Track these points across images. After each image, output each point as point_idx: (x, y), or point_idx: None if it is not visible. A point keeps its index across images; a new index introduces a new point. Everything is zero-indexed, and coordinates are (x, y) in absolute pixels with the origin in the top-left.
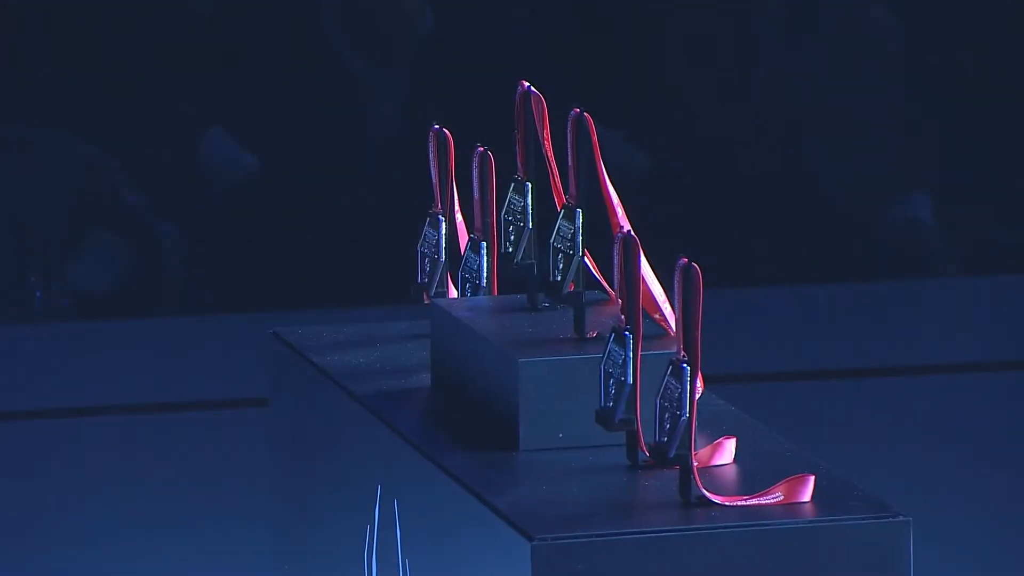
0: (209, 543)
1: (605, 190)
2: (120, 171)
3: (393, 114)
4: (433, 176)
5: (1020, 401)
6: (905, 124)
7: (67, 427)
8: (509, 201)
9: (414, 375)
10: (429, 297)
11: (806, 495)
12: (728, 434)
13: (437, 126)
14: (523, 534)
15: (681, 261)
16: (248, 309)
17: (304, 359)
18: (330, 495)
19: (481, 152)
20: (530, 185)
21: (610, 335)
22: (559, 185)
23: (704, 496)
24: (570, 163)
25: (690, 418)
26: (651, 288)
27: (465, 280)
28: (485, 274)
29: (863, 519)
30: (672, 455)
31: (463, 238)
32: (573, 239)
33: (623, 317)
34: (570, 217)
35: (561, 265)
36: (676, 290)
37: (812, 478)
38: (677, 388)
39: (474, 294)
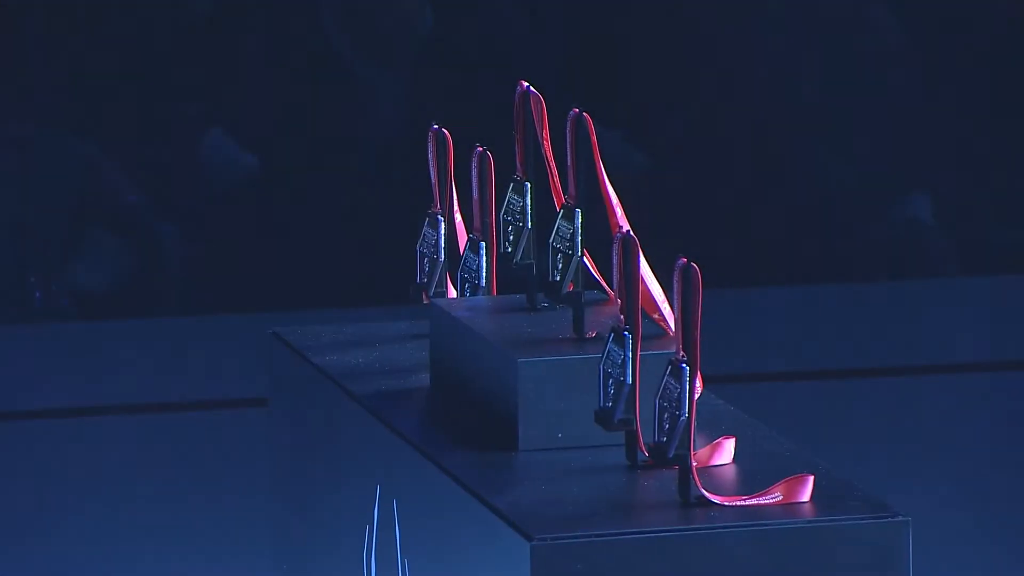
0: (209, 543)
1: (604, 190)
2: (120, 171)
3: (393, 114)
4: (432, 176)
5: (1020, 401)
6: (905, 124)
7: (67, 427)
8: (508, 201)
9: (413, 375)
10: (428, 297)
11: (805, 495)
12: (727, 434)
13: (436, 126)
14: (522, 534)
15: (680, 261)
16: (248, 309)
17: (304, 359)
18: (329, 495)
19: (480, 152)
20: (529, 185)
21: (609, 335)
22: (558, 185)
23: (703, 496)
24: (569, 163)
25: (689, 418)
26: (650, 288)
27: (464, 280)
28: (484, 274)
29: (862, 519)
30: (671, 455)
31: (462, 238)
32: (572, 239)
33: (622, 317)
34: (569, 217)
35: (560, 265)
36: (675, 290)
37: (811, 478)
38: (676, 388)
39: (473, 294)
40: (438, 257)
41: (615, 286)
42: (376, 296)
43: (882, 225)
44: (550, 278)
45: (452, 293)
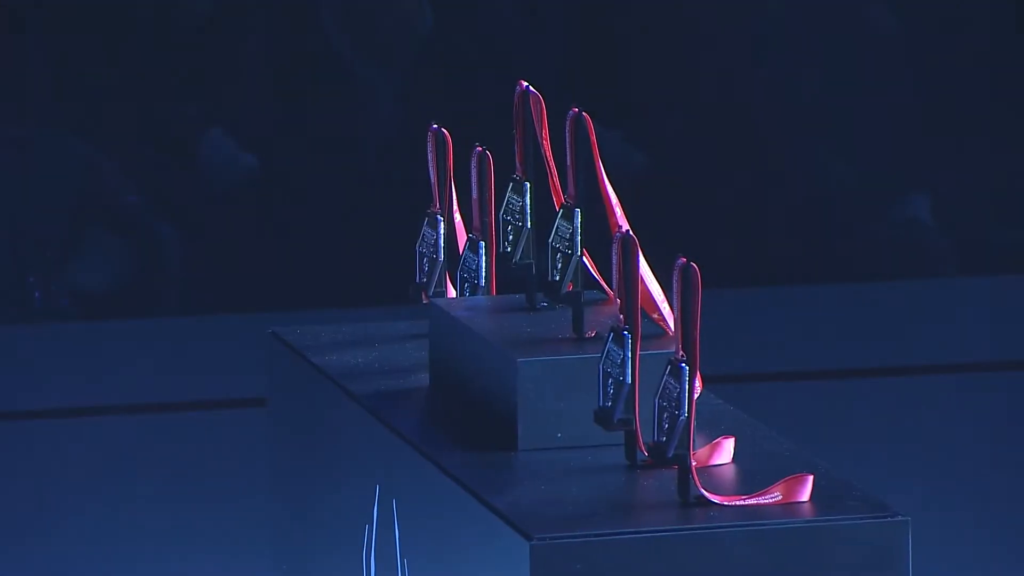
0: (208, 543)
1: (604, 190)
2: (120, 171)
3: (393, 114)
4: (432, 176)
5: (1020, 401)
6: (905, 124)
7: (67, 427)
8: (508, 201)
9: (413, 375)
10: (428, 297)
11: (805, 495)
12: (727, 434)
13: (436, 126)
14: (522, 534)
15: (680, 261)
16: (248, 309)
17: (303, 359)
18: (329, 495)
19: (480, 152)
20: (528, 185)
21: (609, 335)
22: (558, 185)
23: (703, 496)
24: (569, 163)
25: (689, 418)
26: (650, 288)
27: (464, 280)
28: (484, 274)
29: (862, 519)
30: (671, 455)
31: (461, 238)
32: (572, 239)
33: (622, 317)
34: (568, 217)
35: (560, 265)
36: (675, 290)
37: (811, 478)
38: (676, 388)
39: (473, 294)
40: (437, 257)
41: (614, 286)
42: (375, 296)
43: (882, 225)
44: (549, 278)
45: (451, 293)
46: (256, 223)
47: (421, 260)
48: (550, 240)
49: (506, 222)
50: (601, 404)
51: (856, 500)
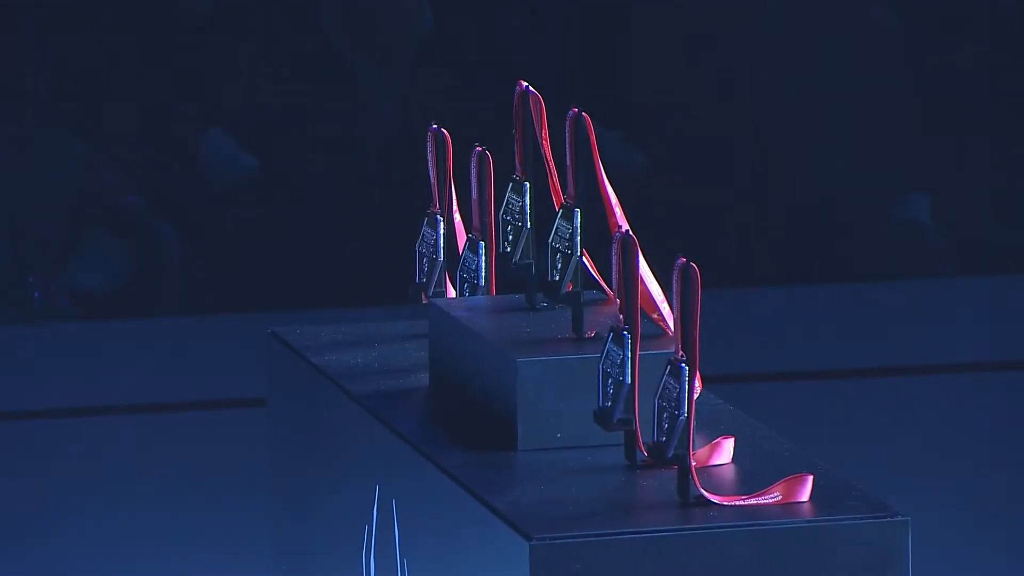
0: (208, 543)
1: (603, 190)
2: (120, 171)
3: (393, 114)
4: (431, 176)
5: (1020, 401)
6: (905, 124)
7: (67, 427)
8: (507, 201)
9: (412, 375)
10: (427, 297)
11: (804, 495)
12: (726, 434)
13: (435, 126)
14: (521, 534)
15: (679, 261)
16: (247, 309)
17: (302, 359)
18: (328, 495)
19: (479, 152)
20: (528, 185)
21: (608, 335)
22: (557, 185)
23: (702, 496)
24: (568, 163)
25: (688, 418)
26: (649, 288)
27: (463, 280)
28: (483, 274)
29: (861, 519)
30: (670, 455)
31: (461, 238)
32: (571, 239)
33: (621, 317)
34: (568, 217)
35: (559, 265)
36: (674, 290)
37: (810, 478)
38: (675, 388)
39: (472, 294)
40: (437, 257)
41: (614, 286)
42: (375, 296)
43: (882, 225)
44: (549, 278)
45: (451, 293)
46: (256, 223)
47: (421, 260)
48: (550, 240)
49: (506, 222)
50: (601, 404)
51: (856, 500)
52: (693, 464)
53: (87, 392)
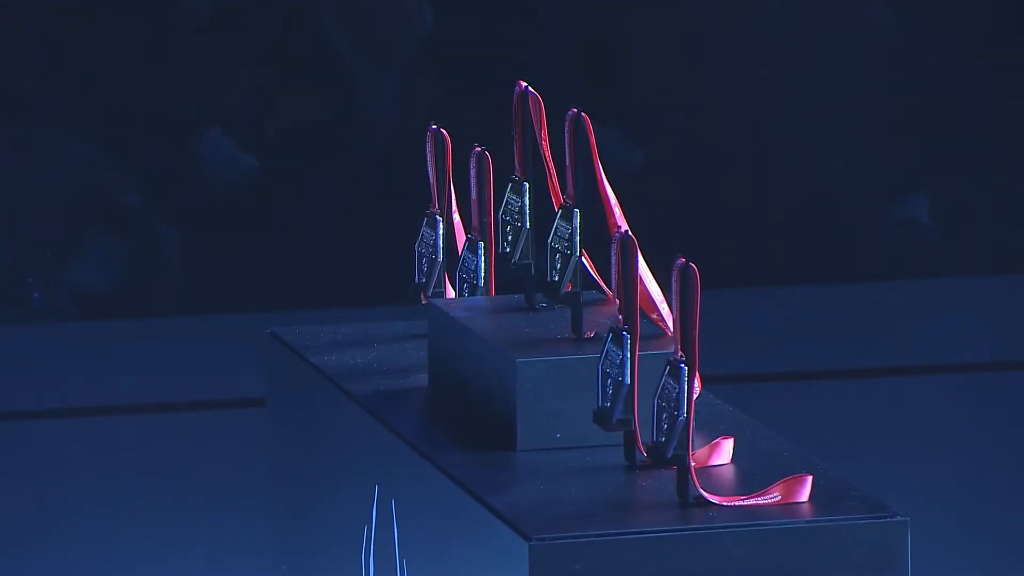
0: (208, 543)
1: (603, 190)
2: (120, 171)
3: (393, 114)
4: (431, 176)
5: (1020, 401)
6: (905, 124)
7: (67, 427)
8: (507, 201)
9: (412, 375)
10: (427, 297)
11: (804, 495)
12: (726, 434)
13: (435, 126)
14: (521, 534)
15: (679, 261)
16: (247, 309)
17: (302, 359)
18: (328, 495)
19: (479, 152)
20: (528, 185)
21: (608, 335)
22: (557, 185)
23: (702, 496)
24: (568, 163)
25: (688, 418)
26: (649, 288)
27: (463, 280)
28: (483, 274)
29: (861, 519)
30: (670, 455)
31: (460, 238)
32: (571, 239)
33: (621, 317)
34: (567, 217)
35: (559, 265)
36: (674, 290)
37: (810, 478)
38: (675, 388)
39: (472, 294)
40: (436, 257)
41: (613, 286)
42: (375, 296)
43: (881, 225)
44: (548, 278)
45: (450, 293)
46: (256, 223)
47: (420, 260)
48: (549, 240)
49: (505, 222)
50: (600, 404)
51: (855, 500)
52: (692, 464)
53: (87, 392)
